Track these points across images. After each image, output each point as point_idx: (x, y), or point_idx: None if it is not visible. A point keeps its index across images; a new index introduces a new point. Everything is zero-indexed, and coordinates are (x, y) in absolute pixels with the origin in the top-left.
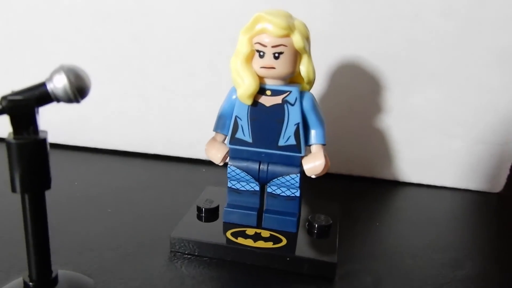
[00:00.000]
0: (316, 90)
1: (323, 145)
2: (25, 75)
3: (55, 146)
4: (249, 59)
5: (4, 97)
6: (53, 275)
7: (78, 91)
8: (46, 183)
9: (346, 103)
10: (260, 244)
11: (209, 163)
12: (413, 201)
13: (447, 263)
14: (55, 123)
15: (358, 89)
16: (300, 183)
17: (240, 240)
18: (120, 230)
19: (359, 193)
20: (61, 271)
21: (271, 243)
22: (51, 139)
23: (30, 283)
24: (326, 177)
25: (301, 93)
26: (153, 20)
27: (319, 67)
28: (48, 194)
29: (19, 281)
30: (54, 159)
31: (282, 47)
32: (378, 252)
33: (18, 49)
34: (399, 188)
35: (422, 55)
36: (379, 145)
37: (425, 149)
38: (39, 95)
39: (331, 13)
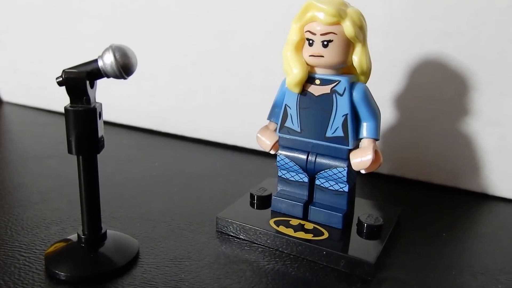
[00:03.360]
0: (394, 89)
1: (375, 139)
2: None
3: (150, 132)
4: (298, 47)
5: (63, 70)
6: (102, 231)
7: (123, 68)
8: (95, 147)
9: (427, 104)
10: (300, 234)
11: None
12: (499, 217)
13: None
14: (150, 111)
15: (442, 89)
16: (347, 178)
17: (281, 229)
18: (179, 207)
19: (434, 202)
20: (110, 230)
21: (311, 235)
22: (146, 125)
23: (83, 236)
24: (400, 182)
25: (352, 84)
26: (234, 18)
27: (398, 65)
28: (128, 170)
29: (75, 235)
30: (145, 142)
31: (331, 35)
32: (435, 264)
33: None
34: (484, 201)
35: None
36: (465, 153)
37: None
38: (91, 70)
39: (411, 5)
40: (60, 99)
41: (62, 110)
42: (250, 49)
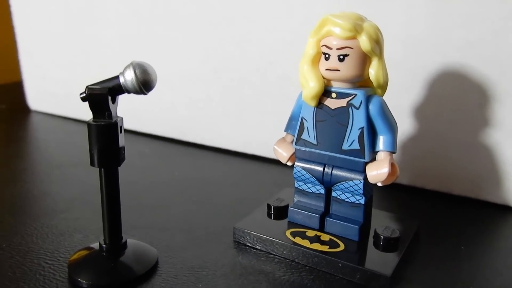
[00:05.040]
0: (414, 98)
1: (392, 152)
2: None
3: (169, 140)
4: (315, 61)
5: (87, 86)
6: (123, 241)
7: (143, 84)
8: (116, 160)
9: (447, 115)
10: (316, 246)
11: None
12: None
13: None
14: (170, 120)
15: (462, 100)
16: (364, 190)
17: (297, 240)
18: (198, 217)
19: (455, 214)
20: (130, 240)
21: (327, 246)
22: (165, 134)
23: (104, 245)
24: (420, 193)
25: (369, 97)
26: (253, 27)
27: (418, 74)
28: (147, 178)
29: (97, 243)
30: (165, 151)
31: (347, 49)
32: (453, 279)
33: (141, 52)
34: (507, 214)
35: None
36: (486, 164)
37: None
38: (112, 86)
39: (431, 15)
40: (87, 108)
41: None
42: (269, 58)
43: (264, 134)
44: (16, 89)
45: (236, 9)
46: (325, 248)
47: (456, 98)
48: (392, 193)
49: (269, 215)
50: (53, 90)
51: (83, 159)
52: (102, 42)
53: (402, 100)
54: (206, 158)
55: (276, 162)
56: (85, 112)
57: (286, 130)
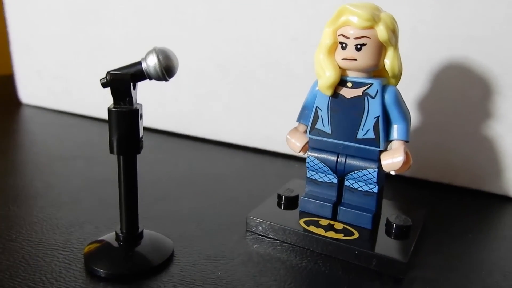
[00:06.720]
0: (418, 92)
1: (406, 141)
2: None
3: (173, 134)
4: (331, 51)
5: (108, 72)
6: (139, 230)
7: (166, 70)
8: (136, 148)
9: (451, 108)
10: (331, 234)
11: (302, 160)
12: None
13: None
14: (174, 114)
15: (465, 93)
16: (377, 179)
17: (312, 228)
18: (208, 208)
19: (458, 204)
20: (146, 230)
21: (342, 234)
22: (169, 128)
23: (121, 234)
24: (423, 184)
25: (384, 87)
26: (258, 23)
27: (422, 68)
28: (153, 171)
29: (113, 233)
30: (169, 145)
31: (365, 38)
32: (463, 264)
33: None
34: (508, 204)
35: None
36: (488, 156)
37: None
38: (135, 72)
39: (438, 12)
40: (82, 103)
41: (84, 113)
42: (273, 54)
43: (266, 128)
44: (5, 82)
45: (242, 7)
46: (340, 236)
47: (459, 91)
48: (395, 184)
49: (279, 205)
50: (46, 84)
51: (83, 152)
52: (102, 39)
53: (407, 92)
54: (209, 152)
55: (278, 155)
56: (79, 107)
57: (299, 120)
